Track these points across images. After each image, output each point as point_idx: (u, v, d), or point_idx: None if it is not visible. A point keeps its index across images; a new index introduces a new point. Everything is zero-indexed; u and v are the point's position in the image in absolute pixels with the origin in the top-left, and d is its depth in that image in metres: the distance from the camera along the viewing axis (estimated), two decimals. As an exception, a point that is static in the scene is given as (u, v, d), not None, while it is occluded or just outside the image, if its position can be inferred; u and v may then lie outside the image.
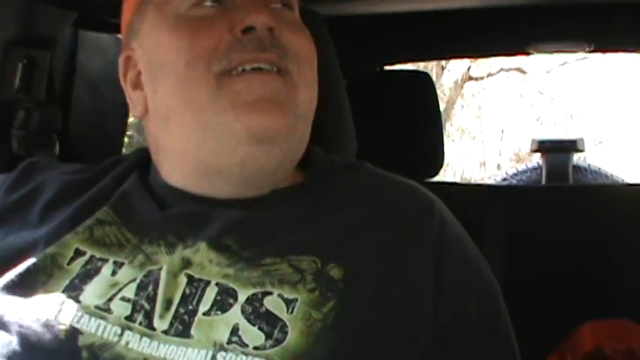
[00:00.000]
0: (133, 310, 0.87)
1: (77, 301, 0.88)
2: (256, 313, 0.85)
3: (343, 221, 0.94)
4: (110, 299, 0.88)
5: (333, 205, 0.96)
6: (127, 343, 0.85)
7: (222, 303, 0.86)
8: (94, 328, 0.86)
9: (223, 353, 0.83)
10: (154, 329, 0.86)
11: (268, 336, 0.84)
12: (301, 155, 0.99)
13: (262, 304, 0.86)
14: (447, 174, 8.21)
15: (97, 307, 0.87)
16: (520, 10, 1.97)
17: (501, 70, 8.50)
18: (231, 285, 0.88)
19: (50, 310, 0.87)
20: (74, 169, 1.08)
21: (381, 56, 2.38)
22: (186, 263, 0.90)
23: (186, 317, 0.86)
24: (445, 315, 0.91)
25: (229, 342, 0.84)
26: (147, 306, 0.87)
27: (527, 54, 2.32)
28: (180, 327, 0.85)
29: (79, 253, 0.93)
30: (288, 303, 0.86)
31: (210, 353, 0.83)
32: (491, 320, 0.95)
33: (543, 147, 2.94)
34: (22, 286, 0.91)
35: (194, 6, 0.95)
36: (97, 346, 0.84)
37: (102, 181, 1.02)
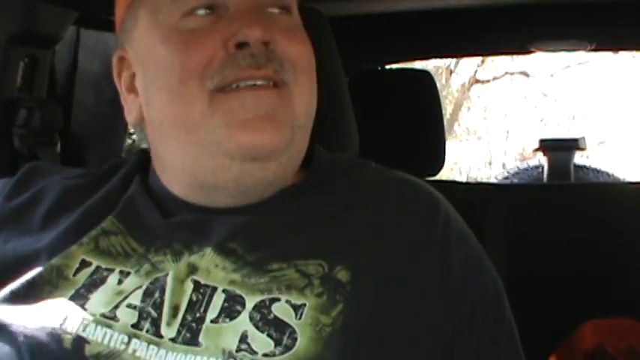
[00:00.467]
0: (140, 317, 0.86)
1: (83, 309, 0.87)
2: (264, 319, 0.84)
3: (348, 222, 0.93)
4: (116, 307, 0.87)
5: (337, 206, 0.95)
6: (134, 351, 0.83)
7: (230, 310, 0.85)
8: (100, 337, 0.84)
9: None
10: (161, 337, 0.84)
11: (277, 343, 0.83)
12: (301, 161, 0.97)
13: (270, 311, 0.85)
14: (455, 173, 8.38)
15: (103, 315, 0.86)
16: (521, 9, 1.97)
17: (506, 73, 8.75)
18: (238, 292, 0.87)
19: (56, 320, 0.86)
20: (76, 173, 1.06)
21: (383, 55, 2.38)
22: (193, 269, 0.89)
23: (193, 325, 0.85)
24: (451, 314, 0.90)
25: (238, 350, 0.83)
26: (153, 313, 0.86)
27: (529, 53, 2.31)
28: (188, 335, 0.84)
29: (84, 264, 0.92)
30: (296, 309, 0.85)
31: None
32: (496, 319, 0.94)
33: (545, 145, 2.94)
34: (28, 297, 0.89)
35: (186, 15, 0.92)
36: (104, 355, 0.83)
37: (104, 186, 1.01)
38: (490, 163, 8.68)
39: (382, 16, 2.00)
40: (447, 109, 8.57)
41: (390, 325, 0.87)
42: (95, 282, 0.90)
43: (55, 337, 0.84)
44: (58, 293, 0.89)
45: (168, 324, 0.85)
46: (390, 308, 0.88)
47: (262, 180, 0.93)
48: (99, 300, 0.88)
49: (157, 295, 0.87)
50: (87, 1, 1.46)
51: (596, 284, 1.71)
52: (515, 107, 8.76)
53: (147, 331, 0.85)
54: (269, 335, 0.83)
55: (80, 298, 0.88)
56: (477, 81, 8.88)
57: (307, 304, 0.86)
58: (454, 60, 8.18)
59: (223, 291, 0.87)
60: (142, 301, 0.87)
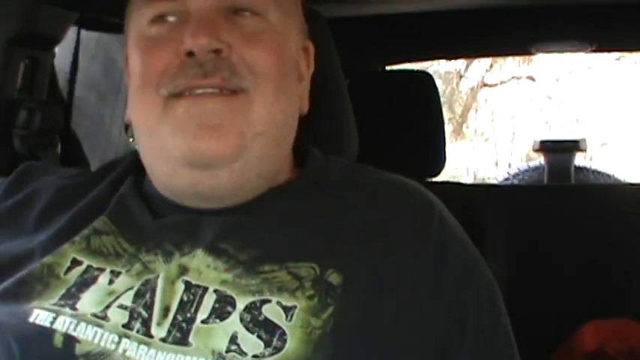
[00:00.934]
0: (131, 317, 0.86)
1: (73, 308, 0.87)
2: (255, 321, 0.84)
3: (341, 224, 0.93)
4: (107, 307, 0.87)
5: (330, 207, 0.95)
6: (125, 351, 0.83)
7: (221, 311, 0.85)
8: (91, 336, 0.84)
9: None
10: (151, 337, 0.84)
11: (267, 344, 0.83)
12: (272, 167, 0.96)
13: (261, 312, 0.85)
14: (462, 172, 8.60)
15: (94, 315, 0.86)
16: (522, 11, 1.97)
17: (513, 77, 9.05)
18: (230, 292, 0.87)
19: (46, 318, 0.86)
20: (70, 173, 1.07)
21: (383, 56, 2.38)
22: (183, 270, 0.89)
23: (184, 325, 0.85)
24: (443, 317, 0.90)
25: (228, 350, 0.83)
26: (144, 313, 0.86)
27: (530, 54, 2.32)
28: (178, 335, 0.84)
29: (75, 262, 0.92)
30: (287, 310, 0.85)
31: None
32: (490, 322, 0.94)
33: (545, 147, 2.93)
34: (18, 295, 0.90)
35: (152, 22, 0.95)
36: (94, 355, 0.83)
37: (98, 186, 1.01)
38: (497, 164, 8.91)
39: (382, 17, 2.00)
40: (457, 112, 8.90)
41: (381, 328, 0.86)
42: (86, 281, 0.90)
43: (45, 335, 0.84)
44: (49, 292, 0.89)
45: (159, 324, 0.85)
46: (382, 311, 0.87)
47: (218, 187, 0.93)
48: (90, 299, 0.88)
49: (147, 296, 0.87)
50: (87, 2, 1.46)
51: (597, 285, 1.71)
52: (521, 110, 9.03)
53: (137, 331, 0.85)
54: (259, 336, 0.83)
55: (71, 297, 0.88)
56: (485, 85, 9.23)
57: (298, 306, 0.85)
58: (464, 65, 8.55)
59: (215, 291, 0.87)
60: (134, 301, 0.87)
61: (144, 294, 0.88)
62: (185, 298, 0.87)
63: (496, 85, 9.18)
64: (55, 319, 0.86)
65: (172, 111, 0.91)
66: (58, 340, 0.84)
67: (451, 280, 0.92)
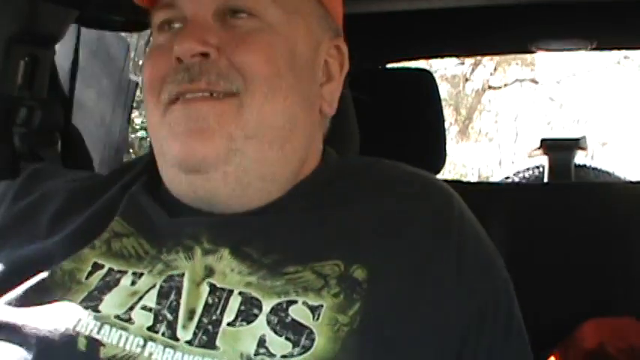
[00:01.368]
0: (155, 320, 0.85)
1: (96, 311, 0.86)
2: (282, 323, 0.84)
3: (363, 219, 0.92)
4: (131, 308, 0.86)
5: (351, 204, 0.95)
6: (151, 354, 0.83)
7: (247, 313, 0.85)
8: (115, 340, 0.83)
9: None
10: (177, 340, 0.84)
11: (295, 344, 0.83)
12: (278, 169, 0.95)
13: (288, 314, 0.85)
14: (467, 170, 8.76)
15: (118, 317, 0.85)
16: (523, 9, 1.97)
17: (516, 80, 9.47)
18: (255, 294, 0.86)
19: (69, 322, 0.85)
20: (82, 176, 1.07)
21: (383, 54, 2.38)
22: (209, 272, 0.88)
23: (210, 327, 0.84)
24: (464, 312, 0.90)
25: (257, 354, 0.82)
26: (169, 316, 0.85)
27: (530, 52, 2.32)
28: (204, 338, 0.84)
29: (96, 267, 0.91)
30: (314, 310, 0.85)
31: None
32: (506, 319, 0.94)
33: (546, 145, 2.93)
34: (39, 300, 0.88)
35: (158, 30, 0.97)
36: (119, 358, 0.82)
37: (111, 188, 1.00)
38: (500, 163, 9.08)
39: (383, 15, 2.00)
40: (462, 113, 9.27)
41: (406, 322, 0.86)
42: (108, 284, 0.89)
43: (69, 339, 0.84)
44: (71, 296, 0.89)
45: (184, 327, 0.85)
46: (408, 306, 0.87)
47: (216, 191, 0.93)
48: (112, 302, 0.87)
49: (172, 297, 0.87)
50: (87, 0, 1.46)
51: (597, 283, 1.71)
52: (524, 111, 9.23)
53: (163, 334, 0.84)
54: (287, 338, 0.83)
55: (93, 299, 0.88)
56: (490, 87, 9.61)
57: (324, 305, 0.85)
58: (469, 68, 9.02)
59: (239, 294, 0.86)
60: (158, 303, 0.86)
61: (167, 294, 0.87)
62: (210, 301, 0.86)
63: (500, 87, 9.58)
64: (78, 322, 0.85)
65: (168, 116, 0.92)
66: (81, 344, 0.83)
67: (471, 275, 0.92)
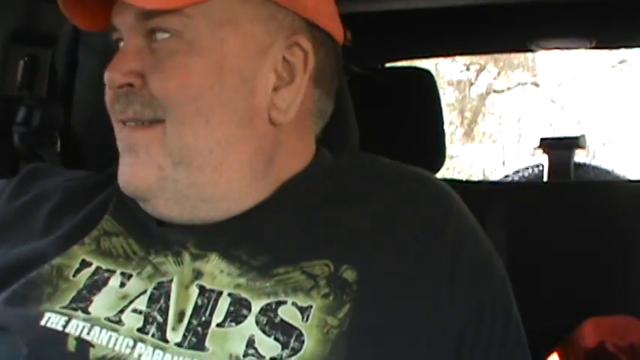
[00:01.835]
0: (145, 321, 0.85)
1: (86, 312, 0.86)
2: (271, 323, 0.84)
3: (354, 220, 0.91)
4: (121, 311, 0.86)
5: (341, 202, 0.93)
6: (140, 355, 0.83)
7: (236, 314, 0.85)
8: (105, 341, 0.84)
9: None
10: (167, 341, 0.84)
11: (284, 346, 0.82)
12: (218, 189, 0.90)
13: (277, 314, 0.84)
14: (472, 171, 8.94)
15: (108, 319, 0.85)
16: (522, 8, 1.97)
17: (519, 84, 9.80)
18: (244, 295, 0.86)
19: (58, 322, 0.85)
20: (78, 175, 1.06)
21: (383, 53, 2.38)
22: (198, 274, 0.88)
23: (199, 329, 0.84)
24: (459, 312, 0.89)
25: (245, 355, 0.82)
26: (159, 318, 0.85)
27: (530, 51, 2.32)
28: (193, 339, 0.84)
29: (84, 264, 0.91)
30: (303, 311, 0.85)
31: None
32: (504, 318, 0.93)
33: (546, 144, 2.94)
34: (27, 298, 0.89)
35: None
36: (109, 359, 0.83)
37: (107, 189, 1.00)
38: (504, 163, 9.33)
39: (382, 14, 2.00)
40: (467, 116, 9.66)
41: (397, 324, 0.86)
42: (96, 283, 0.89)
43: (58, 339, 0.84)
44: (59, 294, 0.89)
45: (174, 329, 0.85)
46: (398, 306, 0.86)
47: (169, 215, 0.92)
48: (102, 304, 0.87)
49: (162, 301, 0.87)
50: None
51: (597, 282, 1.71)
52: (527, 113, 9.54)
53: (152, 336, 0.84)
54: (276, 339, 0.83)
55: (83, 300, 0.87)
56: (494, 91, 9.98)
57: (314, 306, 0.85)
58: (474, 73, 9.44)
59: (229, 294, 0.86)
60: (148, 306, 0.86)
61: (158, 298, 0.87)
62: (199, 303, 0.86)
63: (503, 91, 10.04)
64: (67, 322, 0.85)
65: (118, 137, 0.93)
66: (71, 344, 0.83)
67: (467, 274, 0.90)
